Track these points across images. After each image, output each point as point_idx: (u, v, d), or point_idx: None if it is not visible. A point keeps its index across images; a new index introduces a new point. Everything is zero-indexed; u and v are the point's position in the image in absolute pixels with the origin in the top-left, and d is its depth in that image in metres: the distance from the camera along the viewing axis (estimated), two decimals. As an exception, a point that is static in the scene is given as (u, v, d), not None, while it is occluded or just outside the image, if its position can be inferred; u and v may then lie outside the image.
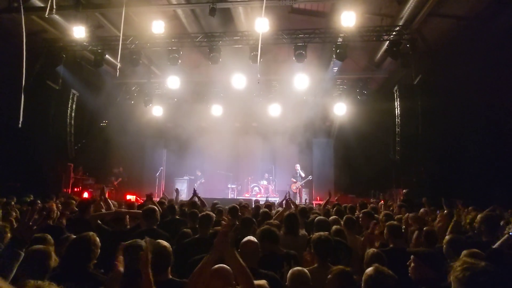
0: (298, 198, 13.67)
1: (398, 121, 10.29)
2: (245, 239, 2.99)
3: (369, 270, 2.25)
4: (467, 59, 8.91)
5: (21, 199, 7.37)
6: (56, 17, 9.35)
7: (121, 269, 2.18)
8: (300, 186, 14.16)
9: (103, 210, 5.14)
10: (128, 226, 4.64)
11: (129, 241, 2.74)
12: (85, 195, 11.30)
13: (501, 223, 4.16)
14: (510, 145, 8.40)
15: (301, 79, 11.46)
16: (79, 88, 11.78)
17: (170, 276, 2.75)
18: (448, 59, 9.79)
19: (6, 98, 8.97)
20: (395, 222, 4.02)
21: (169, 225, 4.72)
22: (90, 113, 13.00)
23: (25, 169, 10.35)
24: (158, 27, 9.40)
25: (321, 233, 3.33)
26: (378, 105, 12.44)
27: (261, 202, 8.28)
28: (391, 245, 3.65)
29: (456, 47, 9.52)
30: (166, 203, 6.52)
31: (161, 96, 14.56)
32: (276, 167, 15.71)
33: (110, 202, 5.46)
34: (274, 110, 13.76)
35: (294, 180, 14.25)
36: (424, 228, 3.79)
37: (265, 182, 14.83)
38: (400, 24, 9.41)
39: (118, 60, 9.97)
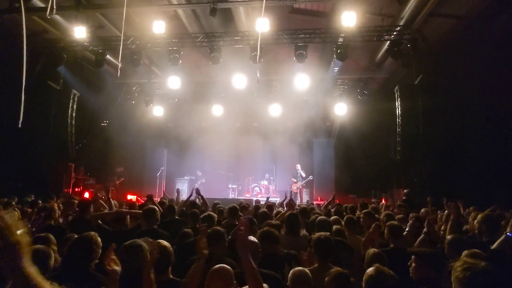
0: (299, 198, 13.66)
1: (399, 121, 10.29)
2: (245, 239, 2.99)
3: (370, 270, 2.25)
4: (468, 59, 8.90)
5: (22, 199, 7.39)
6: (57, 17, 9.37)
7: (117, 268, 2.17)
8: (301, 186, 14.15)
9: (104, 210, 5.15)
10: (129, 226, 4.65)
11: (129, 241, 2.75)
12: (86, 195, 11.31)
13: (502, 223, 4.15)
14: (511, 145, 8.39)
15: (302, 79, 11.46)
16: (80, 88, 11.80)
17: (171, 276, 2.75)
18: (449, 59, 9.78)
19: (7, 98, 8.98)
20: (395, 222, 4.02)
21: (169, 225, 4.71)
22: (91, 113, 13.02)
23: (26, 169, 10.37)
24: (158, 27, 9.41)
25: (322, 233, 3.33)
26: (378, 105, 12.44)
27: (262, 202, 8.28)
28: (391, 245, 3.65)
29: (457, 47, 9.51)
30: (167, 203, 6.53)
31: (161, 96, 14.57)
32: (276, 167, 15.73)
33: (112, 202, 5.47)
34: (275, 110, 13.77)
35: (295, 180, 14.25)
36: (424, 230, 3.79)
37: (265, 182, 14.83)
38: (401, 24, 9.41)
39: (119, 60, 9.97)
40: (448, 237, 3.36)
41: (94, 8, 9.21)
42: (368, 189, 12.97)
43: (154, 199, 6.53)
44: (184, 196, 9.68)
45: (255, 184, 14.89)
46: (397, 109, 10.39)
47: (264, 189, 14.61)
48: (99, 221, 4.40)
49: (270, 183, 14.93)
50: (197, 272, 2.40)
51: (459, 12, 8.88)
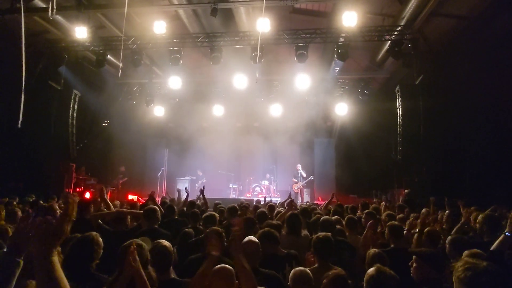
0: (300, 198, 13.66)
1: (399, 121, 10.27)
2: (246, 239, 2.99)
3: (371, 270, 2.25)
4: (469, 59, 8.89)
5: (23, 199, 7.40)
6: (58, 17, 9.38)
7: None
8: (302, 186, 14.14)
9: (105, 210, 5.15)
10: (129, 226, 4.66)
11: (128, 241, 2.75)
12: (87, 195, 11.33)
13: (503, 223, 4.14)
14: (512, 145, 8.38)
15: (303, 79, 11.46)
16: (81, 88, 11.81)
17: (172, 276, 2.75)
18: (450, 59, 9.76)
19: (9, 98, 9.01)
20: (396, 222, 4.02)
21: (168, 225, 4.71)
22: (92, 113, 13.03)
23: (27, 169, 10.39)
24: (159, 27, 9.41)
25: (322, 233, 3.33)
26: (379, 105, 12.42)
27: (262, 203, 8.28)
28: (392, 245, 3.65)
29: (458, 47, 9.50)
30: (168, 202, 6.54)
31: (162, 96, 14.59)
32: (277, 167, 15.74)
33: (109, 202, 5.46)
34: (276, 110, 13.77)
35: (296, 181, 14.24)
36: (426, 229, 3.78)
37: (266, 182, 14.83)
38: (402, 24, 9.39)
39: (120, 61, 10.01)
40: (449, 237, 3.36)
41: (95, 8, 9.21)
42: (369, 189, 12.95)
43: (156, 199, 6.54)
44: (184, 196, 9.68)
45: (256, 184, 14.90)
46: (398, 109, 10.38)
47: (264, 189, 14.61)
48: (99, 221, 4.40)
49: (270, 183, 14.93)
50: (205, 273, 2.38)
51: (460, 12, 8.87)
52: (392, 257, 2.97)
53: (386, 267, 2.28)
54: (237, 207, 5.67)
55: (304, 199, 13.80)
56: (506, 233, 2.73)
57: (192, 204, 6.18)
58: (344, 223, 4.69)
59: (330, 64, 11.64)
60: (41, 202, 6.90)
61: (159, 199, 9.70)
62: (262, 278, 2.64)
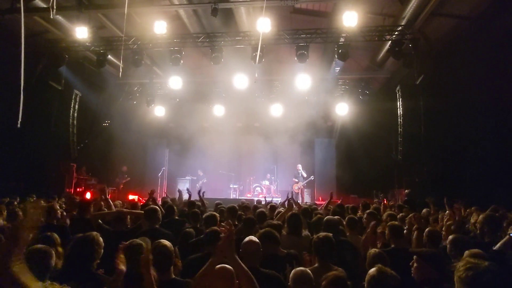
0: (300, 198, 13.65)
1: (400, 121, 10.27)
2: (246, 239, 2.99)
3: (372, 270, 2.24)
4: (469, 59, 8.87)
5: (24, 199, 7.41)
6: (59, 18, 9.39)
7: (123, 268, 2.19)
8: (302, 187, 14.14)
9: (106, 210, 5.16)
10: (129, 226, 4.66)
11: (128, 241, 2.75)
12: (88, 195, 11.33)
13: (504, 223, 4.14)
14: (513, 145, 8.37)
15: (303, 79, 11.46)
16: (82, 88, 11.82)
17: (173, 276, 2.75)
18: (451, 59, 9.76)
19: (9, 98, 9.01)
20: (396, 223, 4.02)
21: (168, 226, 4.71)
22: (92, 113, 13.05)
23: (28, 169, 10.40)
24: (160, 27, 9.42)
25: (322, 233, 3.32)
26: (380, 105, 12.41)
27: (263, 203, 8.27)
28: (392, 245, 3.65)
29: (459, 47, 9.49)
30: (169, 202, 6.54)
31: (163, 96, 14.59)
32: (278, 167, 15.73)
33: (110, 201, 5.47)
34: (276, 110, 13.78)
35: (296, 180, 14.24)
36: (427, 229, 3.78)
37: (267, 182, 14.83)
38: (403, 24, 9.38)
39: (121, 61, 10.01)
40: (450, 237, 3.36)
41: (95, 8, 9.22)
42: (370, 189, 12.95)
43: (156, 198, 6.54)
44: (185, 197, 9.69)
45: (257, 184, 14.90)
46: (398, 109, 10.37)
47: (265, 189, 14.61)
48: (99, 221, 4.40)
49: (271, 183, 14.93)
50: (207, 273, 2.38)
51: (461, 11, 8.86)
52: (392, 257, 2.97)
53: (387, 267, 2.28)
54: (237, 207, 5.67)
55: (304, 199, 13.79)
56: (511, 234, 2.73)
57: (192, 204, 6.18)
58: (345, 223, 4.69)
59: (331, 64, 11.64)
60: (42, 202, 6.89)
61: (160, 199, 9.71)
62: (263, 278, 2.63)
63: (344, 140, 14.67)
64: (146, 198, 6.60)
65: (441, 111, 9.57)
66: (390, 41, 9.88)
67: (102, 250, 2.80)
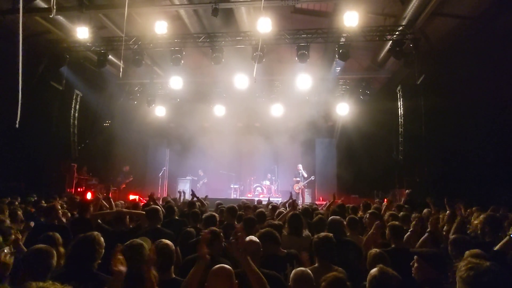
0: (301, 198, 13.64)
1: (401, 121, 10.27)
2: (247, 239, 2.99)
3: (374, 270, 2.24)
4: (470, 58, 8.87)
5: (25, 199, 7.42)
6: (60, 18, 9.41)
7: (122, 268, 2.19)
8: (303, 187, 14.13)
9: (105, 210, 5.16)
10: (130, 226, 4.66)
11: (129, 241, 2.75)
12: (88, 195, 11.34)
13: (505, 224, 4.14)
14: (514, 145, 8.36)
15: (304, 79, 11.45)
16: (83, 88, 11.84)
17: (174, 276, 2.75)
18: (452, 58, 9.74)
19: (10, 98, 9.03)
20: (396, 223, 4.01)
21: (168, 226, 4.71)
22: (93, 113, 13.07)
23: (29, 169, 10.42)
24: (160, 27, 9.42)
25: (322, 233, 3.32)
26: (381, 105, 12.40)
27: (264, 203, 8.27)
28: (393, 245, 3.64)
29: (460, 47, 9.48)
30: (171, 202, 6.55)
31: (164, 96, 14.60)
32: (278, 167, 15.73)
33: (112, 201, 5.48)
34: (277, 110, 13.77)
35: (297, 179, 14.22)
36: (428, 230, 3.77)
37: (267, 182, 14.83)
38: (403, 23, 9.38)
39: (121, 61, 10.02)
40: (451, 237, 3.35)
41: (96, 8, 9.23)
42: (371, 189, 12.93)
43: (156, 200, 6.55)
44: (186, 197, 9.70)
45: (257, 184, 14.89)
46: (399, 109, 10.38)
47: (266, 189, 14.61)
48: (99, 221, 4.41)
49: (272, 183, 14.92)
50: (197, 274, 2.41)
51: (461, 11, 8.85)
52: (393, 257, 2.97)
53: (387, 267, 2.28)
54: (237, 207, 5.67)
55: (305, 199, 13.78)
56: (511, 235, 2.72)
57: (192, 204, 6.19)
58: (345, 223, 4.68)
59: (331, 64, 11.63)
60: (43, 202, 6.91)
61: (160, 199, 9.71)
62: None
63: (344, 140, 14.66)
64: (147, 199, 6.60)
65: (442, 111, 9.57)
66: (391, 41, 9.88)
67: (103, 250, 2.80)
